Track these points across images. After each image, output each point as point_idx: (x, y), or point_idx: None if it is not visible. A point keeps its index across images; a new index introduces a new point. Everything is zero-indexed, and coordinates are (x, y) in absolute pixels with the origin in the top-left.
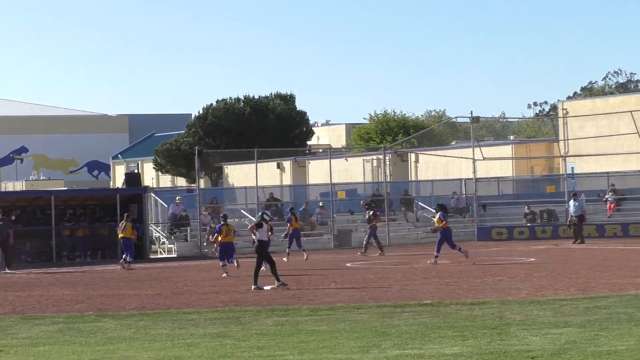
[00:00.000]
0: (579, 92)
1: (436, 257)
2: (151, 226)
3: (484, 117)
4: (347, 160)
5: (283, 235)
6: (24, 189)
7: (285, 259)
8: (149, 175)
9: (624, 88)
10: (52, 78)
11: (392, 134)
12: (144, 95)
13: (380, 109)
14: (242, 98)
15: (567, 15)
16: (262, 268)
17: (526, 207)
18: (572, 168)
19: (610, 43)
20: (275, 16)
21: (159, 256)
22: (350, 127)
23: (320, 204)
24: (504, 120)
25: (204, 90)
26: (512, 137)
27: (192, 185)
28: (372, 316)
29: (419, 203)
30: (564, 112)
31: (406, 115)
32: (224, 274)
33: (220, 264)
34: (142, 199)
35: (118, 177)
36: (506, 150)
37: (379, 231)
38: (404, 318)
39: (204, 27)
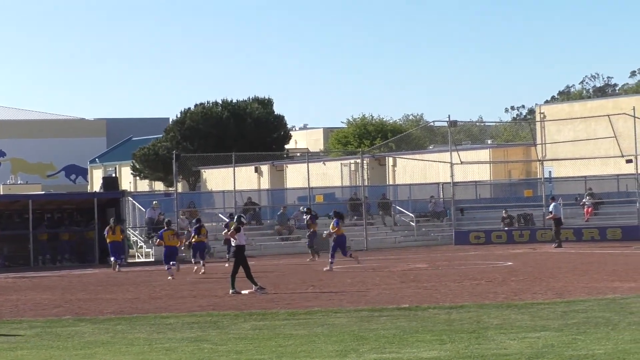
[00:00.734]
0: (556, 96)
1: (331, 263)
2: (129, 230)
3: (462, 121)
4: (324, 164)
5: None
6: (1, 193)
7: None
8: (127, 180)
9: (601, 92)
10: (30, 82)
11: (370, 138)
12: (121, 100)
13: (358, 113)
14: (220, 102)
15: (544, 19)
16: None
17: (504, 211)
18: (550, 172)
19: (588, 47)
20: (253, 21)
21: (137, 260)
22: (328, 131)
23: (301, 208)
24: (482, 124)
25: (182, 95)
26: (489, 141)
27: (170, 189)
28: (350, 320)
29: (397, 207)
30: (542, 116)
31: (384, 120)
32: (169, 277)
33: (166, 267)
34: (120, 203)
35: (96, 181)
36: (484, 154)
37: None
38: (382, 322)
39: (182, 32)
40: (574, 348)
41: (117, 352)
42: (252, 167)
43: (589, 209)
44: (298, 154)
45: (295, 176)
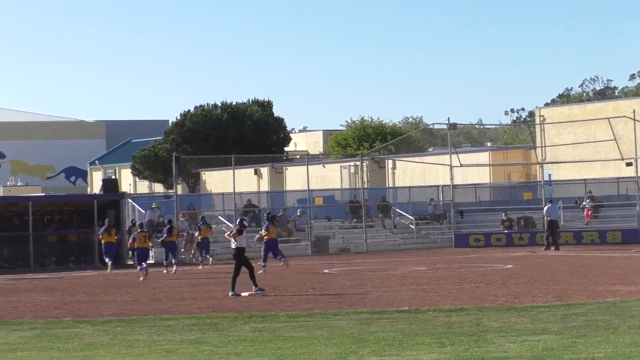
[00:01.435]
0: (556, 98)
1: (264, 266)
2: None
3: (461, 124)
4: (324, 166)
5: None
6: (1, 194)
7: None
8: (127, 182)
9: (601, 95)
10: (30, 84)
11: (369, 141)
12: (121, 102)
13: (357, 116)
14: (220, 104)
15: (544, 22)
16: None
17: (503, 214)
18: (550, 175)
19: (587, 50)
20: (253, 23)
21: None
22: (327, 134)
23: (299, 212)
24: (481, 127)
25: (182, 97)
26: (489, 144)
27: (170, 191)
28: (349, 323)
29: (397, 209)
30: (541, 118)
31: (383, 122)
32: (141, 278)
33: (138, 268)
34: (120, 205)
35: (95, 183)
36: (483, 157)
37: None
38: (382, 325)
39: (182, 34)
40: (574, 351)
41: (116, 354)
42: (252, 170)
43: (589, 212)
44: (298, 157)
45: (295, 178)
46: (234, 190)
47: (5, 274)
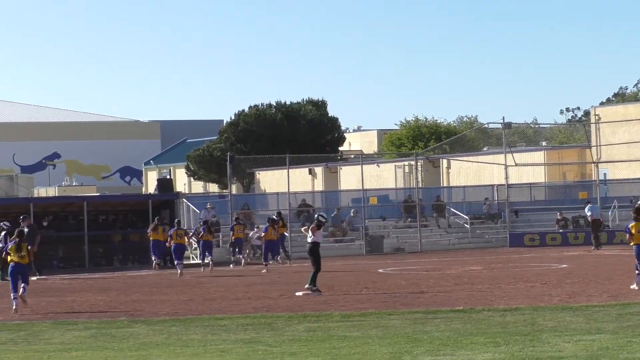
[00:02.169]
0: (611, 97)
1: (266, 265)
2: None
3: (516, 123)
4: (378, 166)
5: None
6: (56, 194)
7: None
8: (181, 181)
9: None
10: (85, 84)
11: (423, 140)
12: (175, 102)
13: (411, 115)
14: (274, 104)
15: (600, 20)
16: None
17: (558, 213)
18: (605, 174)
19: None
20: (307, 22)
21: (191, 262)
22: (381, 133)
23: (352, 212)
24: (536, 126)
25: (236, 96)
26: (544, 143)
27: (224, 191)
28: (404, 322)
29: (451, 209)
30: (597, 117)
31: (438, 121)
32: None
33: (175, 263)
34: (174, 204)
35: (150, 183)
36: (538, 156)
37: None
38: (436, 324)
39: (236, 33)
40: (629, 351)
41: (171, 353)
42: (306, 169)
43: None
44: (352, 156)
45: (349, 178)
46: (288, 189)
47: (61, 273)
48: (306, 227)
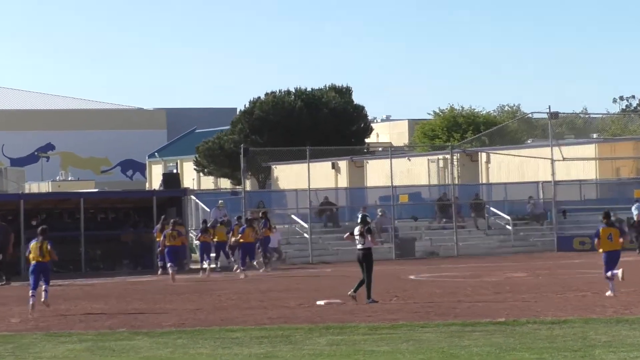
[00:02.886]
0: None
1: (242, 270)
2: (191, 233)
3: (564, 113)
4: (409, 160)
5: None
6: (50, 190)
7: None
8: (189, 176)
9: None
10: (82, 68)
11: (460, 131)
12: (183, 87)
13: (446, 104)
14: (293, 91)
15: None
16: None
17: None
18: None
19: None
20: (329, 3)
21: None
22: (413, 123)
23: (379, 212)
24: (586, 116)
25: (251, 83)
26: (595, 135)
27: (237, 187)
28: (438, 336)
29: (491, 208)
30: None
31: (476, 111)
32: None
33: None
34: (181, 202)
35: (155, 178)
36: (589, 149)
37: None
38: (475, 338)
39: (250, 14)
40: None
41: None
42: (329, 163)
43: None
44: (380, 149)
45: (377, 173)
46: (309, 186)
47: (53, 279)
48: (348, 234)
